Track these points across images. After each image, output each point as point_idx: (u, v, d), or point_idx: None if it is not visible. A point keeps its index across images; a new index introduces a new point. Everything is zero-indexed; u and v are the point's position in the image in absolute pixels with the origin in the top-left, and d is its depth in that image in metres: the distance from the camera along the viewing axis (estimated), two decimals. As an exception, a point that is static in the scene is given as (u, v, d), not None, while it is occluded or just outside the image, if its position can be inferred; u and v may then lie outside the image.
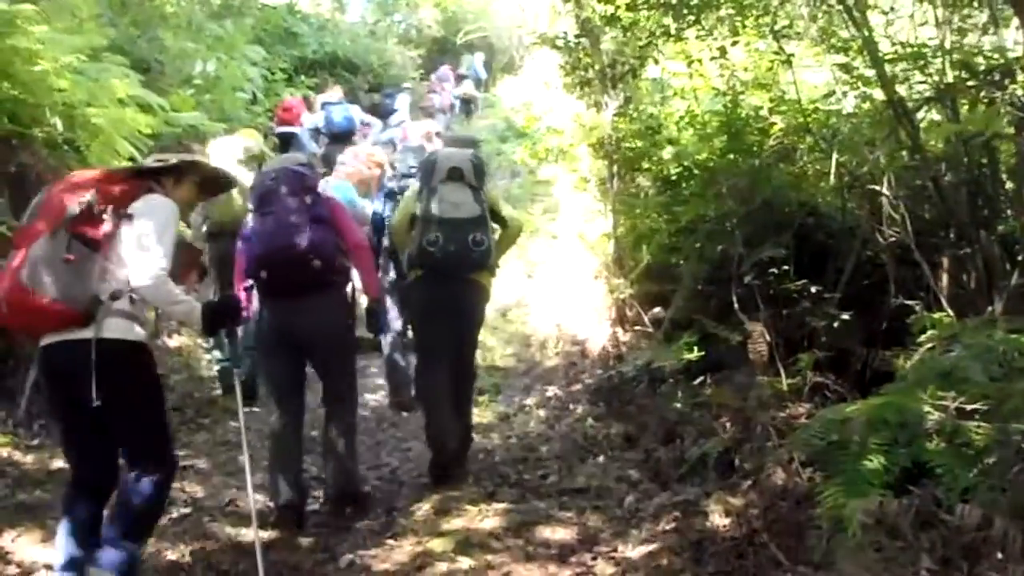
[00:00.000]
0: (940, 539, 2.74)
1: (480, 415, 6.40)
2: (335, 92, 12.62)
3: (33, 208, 3.25)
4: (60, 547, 3.20)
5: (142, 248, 3.12)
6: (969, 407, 3.14)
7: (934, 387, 3.27)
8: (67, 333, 3.08)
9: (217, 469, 4.98)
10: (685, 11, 5.39)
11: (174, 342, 6.89)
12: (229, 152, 6.23)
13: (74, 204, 3.11)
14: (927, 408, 3.15)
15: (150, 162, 3.52)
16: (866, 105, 5.21)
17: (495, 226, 4.90)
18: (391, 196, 6.26)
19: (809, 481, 3.50)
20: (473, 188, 4.71)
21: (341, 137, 10.43)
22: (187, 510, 4.35)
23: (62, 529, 3.22)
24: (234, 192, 5.30)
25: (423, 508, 4.47)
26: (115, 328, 3.12)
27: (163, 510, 3.53)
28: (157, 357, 6.08)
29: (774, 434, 4.01)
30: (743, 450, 4.14)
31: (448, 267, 4.63)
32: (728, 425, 4.43)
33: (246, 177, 5.57)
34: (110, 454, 3.33)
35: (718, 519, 3.81)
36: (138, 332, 3.21)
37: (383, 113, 14.15)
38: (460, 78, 18.97)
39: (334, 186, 6.40)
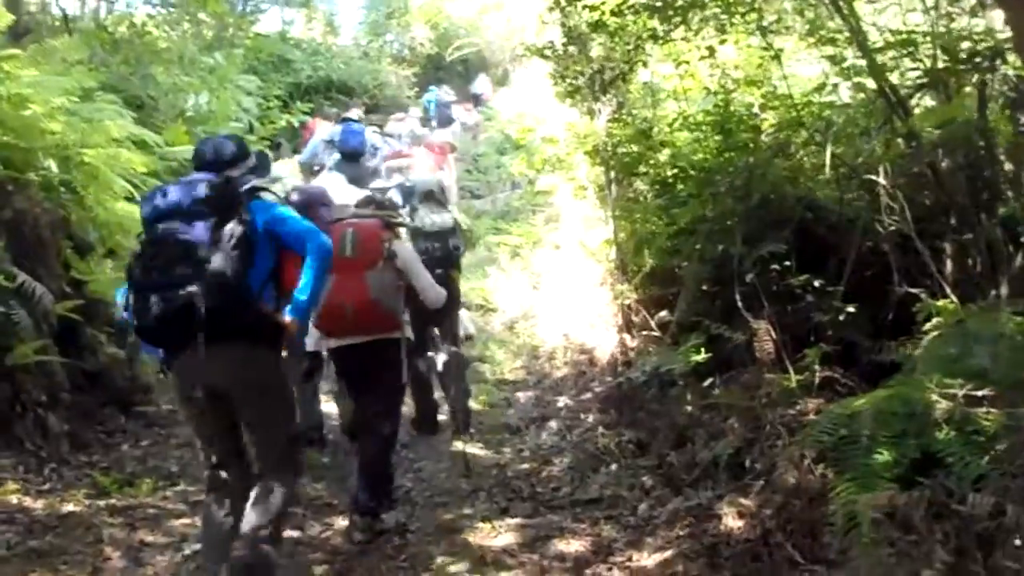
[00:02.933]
0: (953, 530, 2.69)
1: (491, 429, 6.39)
2: (356, 112, 13.36)
3: (350, 244, 4.46)
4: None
5: (420, 270, 4.76)
6: (977, 394, 3.10)
7: (941, 375, 3.23)
8: (388, 333, 4.49)
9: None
10: (671, 13, 5.35)
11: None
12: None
13: (384, 246, 4.49)
14: (935, 397, 3.12)
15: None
16: (859, 95, 5.17)
17: None
18: None
19: (821, 478, 3.45)
20: (442, 204, 6.19)
21: (352, 156, 10.78)
22: (199, 546, 4.29)
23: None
24: None
25: (437, 528, 4.45)
26: (408, 331, 4.67)
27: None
28: (155, 382, 6.19)
29: (784, 432, 3.96)
30: (754, 450, 4.10)
31: (436, 267, 5.62)
32: (738, 426, 4.38)
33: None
34: None
35: (732, 521, 3.77)
36: (411, 332, 4.76)
37: (440, 120, 16.73)
38: None
39: None
